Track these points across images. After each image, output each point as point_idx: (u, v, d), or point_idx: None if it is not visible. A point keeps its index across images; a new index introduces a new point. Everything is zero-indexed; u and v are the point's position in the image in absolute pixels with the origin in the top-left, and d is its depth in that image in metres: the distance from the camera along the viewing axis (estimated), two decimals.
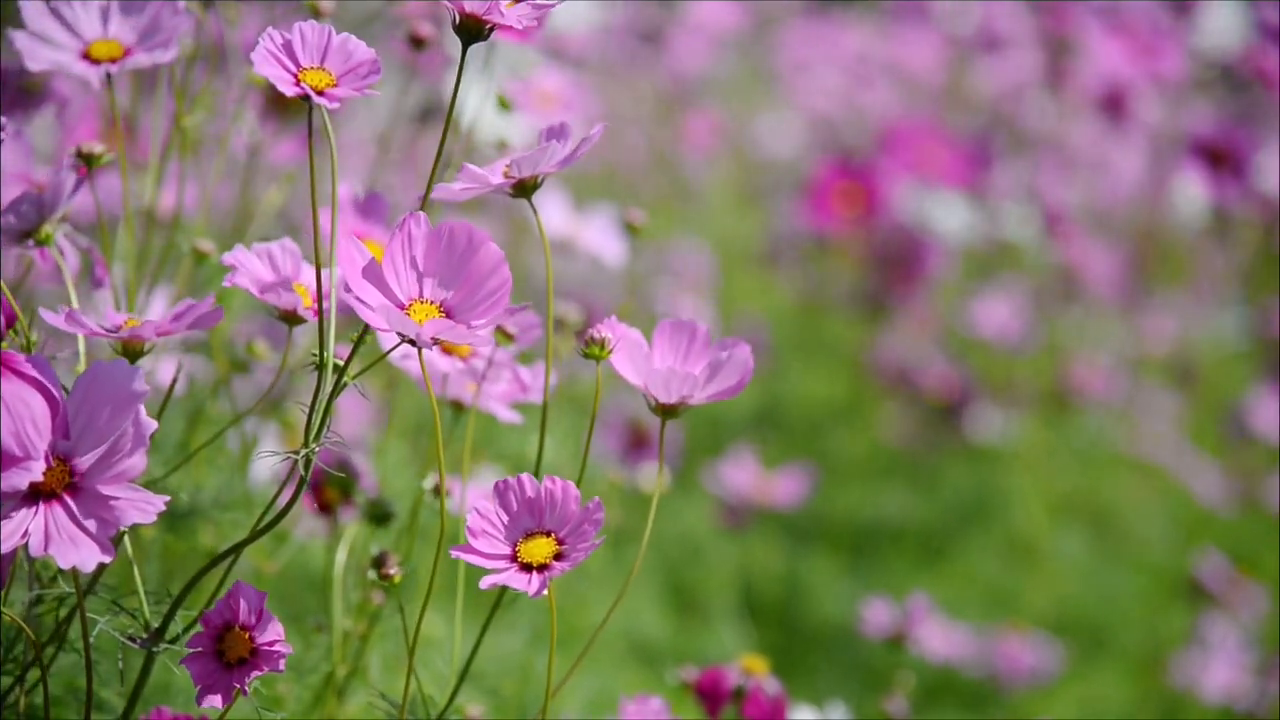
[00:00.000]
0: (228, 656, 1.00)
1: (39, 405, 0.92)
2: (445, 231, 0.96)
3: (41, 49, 1.16)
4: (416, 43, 1.45)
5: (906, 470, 3.08)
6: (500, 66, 1.64)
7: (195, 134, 1.41)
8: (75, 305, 1.06)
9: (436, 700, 1.10)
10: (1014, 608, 2.66)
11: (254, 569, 1.45)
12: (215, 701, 0.99)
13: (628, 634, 2.21)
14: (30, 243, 1.09)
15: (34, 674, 1.04)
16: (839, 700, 1.55)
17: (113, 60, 1.16)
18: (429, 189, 0.99)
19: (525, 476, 0.99)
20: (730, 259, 3.67)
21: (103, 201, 1.24)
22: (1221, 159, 2.82)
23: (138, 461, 0.92)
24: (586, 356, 1.02)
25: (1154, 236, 3.59)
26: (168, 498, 0.92)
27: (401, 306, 0.96)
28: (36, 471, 0.91)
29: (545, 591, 0.97)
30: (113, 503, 0.91)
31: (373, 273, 0.96)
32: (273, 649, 0.99)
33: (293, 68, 0.96)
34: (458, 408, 1.23)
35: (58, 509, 0.91)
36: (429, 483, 1.23)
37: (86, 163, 1.13)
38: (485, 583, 0.97)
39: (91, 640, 1.00)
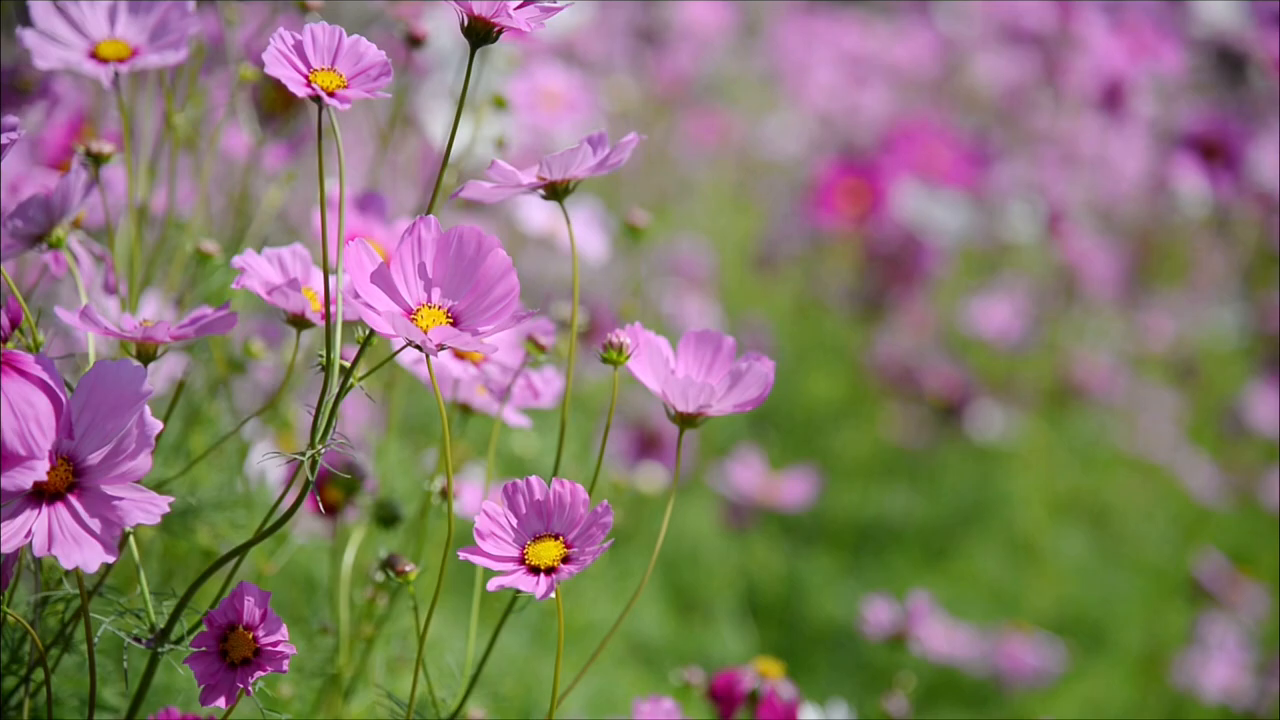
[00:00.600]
0: (231, 657, 0.99)
1: (43, 405, 0.92)
2: (455, 236, 0.96)
3: (50, 47, 1.16)
4: (413, 42, 1.44)
5: (907, 470, 3.08)
6: (490, 67, 1.63)
7: (190, 132, 1.41)
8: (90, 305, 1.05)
9: (445, 701, 1.10)
10: (1015, 607, 2.66)
11: (254, 570, 1.45)
12: (219, 702, 0.99)
13: (628, 634, 2.21)
14: (42, 246, 1.09)
15: (38, 675, 1.04)
16: (841, 700, 1.55)
17: (121, 60, 1.16)
18: (435, 193, 0.98)
19: (534, 479, 0.99)
20: (728, 259, 3.67)
21: (98, 202, 1.23)
22: (1215, 152, 2.82)
23: (143, 462, 0.91)
24: (605, 361, 1.02)
25: (1153, 234, 3.59)
26: (172, 498, 0.92)
27: (409, 312, 0.95)
28: (40, 471, 0.91)
29: (553, 594, 0.97)
30: (117, 503, 0.91)
31: (381, 277, 0.95)
32: (276, 649, 0.99)
33: (304, 69, 0.96)
34: (465, 410, 1.23)
35: (61, 509, 0.91)
36: (436, 485, 1.23)
37: (95, 162, 1.13)
38: (493, 585, 0.96)
39: (95, 641, 0.99)
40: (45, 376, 0.92)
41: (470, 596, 1.15)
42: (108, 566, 0.91)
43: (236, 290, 1.05)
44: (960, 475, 3.06)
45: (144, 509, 0.91)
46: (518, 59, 1.88)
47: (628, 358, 1.02)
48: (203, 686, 0.99)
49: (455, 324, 0.96)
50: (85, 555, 0.90)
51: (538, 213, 1.85)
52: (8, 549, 0.90)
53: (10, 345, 1.00)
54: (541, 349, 1.16)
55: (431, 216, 0.96)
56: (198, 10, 1.25)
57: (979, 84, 3.68)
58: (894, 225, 3.34)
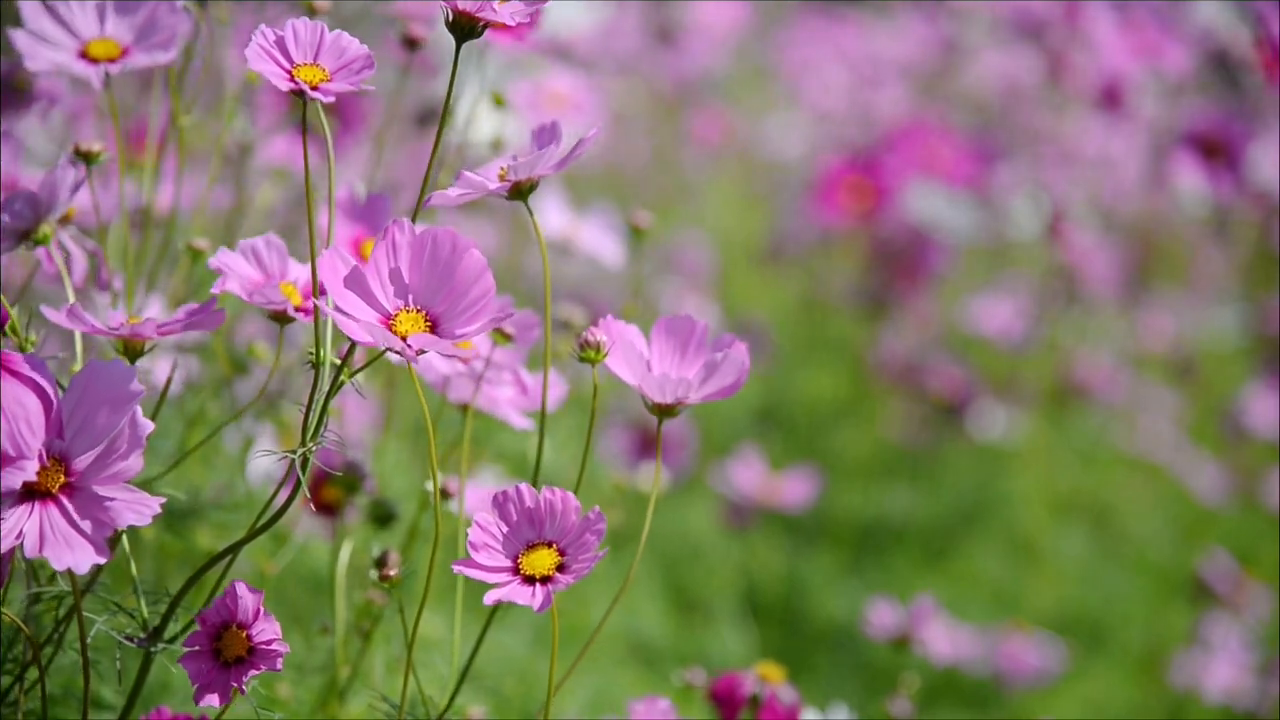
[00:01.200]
0: (225, 655, 1.00)
1: (33, 405, 0.92)
2: (429, 238, 0.96)
3: (41, 48, 1.16)
4: (410, 44, 1.44)
5: (909, 469, 3.08)
6: (505, 68, 1.63)
7: (193, 133, 1.41)
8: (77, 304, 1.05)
9: (436, 701, 1.10)
10: (1016, 607, 2.65)
11: (255, 570, 1.45)
12: (213, 700, 0.99)
13: (629, 634, 2.21)
14: (29, 243, 1.09)
15: (32, 673, 1.04)
16: (842, 702, 1.55)
17: (111, 60, 1.16)
18: (422, 194, 0.98)
19: (524, 487, 0.99)
20: (732, 257, 3.67)
21: (100, 201, 1.24)
22: (1215, 152, 2.81)
23: (134, 463, 0.91)
24: (582, 360, 1.02)
25: (1154, 233, 3.59)
26: (164, 499, 0.92)
27: (387, 316, 0.95)
28: (30, 471, 0.90)
29: (550, 605, 0.96)
30: (108, 503, 0.91)
31: (356, 281, 0.95)
32: (270, 648, 0.99)
33: (286, 64, 0.96)
34: (465, 410, 1.22)
35: (53, 509, 0.91)
36: (430, 485, 1.23)
37: (85, 161, 1.13)
38: (489, 598, 0.96)
39: (90, 640, 0.99)
40: (36, 376, 0.92)
41: (469, 596, 1.15)
42: (100, 566, 0.91)
43: (214, 290, 1.05)
44: (961, 475, 3.06)
45: (135, 510, 0.91)
46: (541, 62, 1.88)
47: (605, 356, 1.02)
48: (196, 685, 0.99)
49: (434, 327, 0.95)
50: (77, 556, 0.90)
51: (553, 217, 1.84)
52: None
53: (0, 344, 1.00)
54: (508, 339, 1.16)
55: (404, 220, 0.96)
56: (200, 10, 1.25)
57: (981, 83, 3.68)
58: (899, 223, 3.34)
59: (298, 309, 1.04)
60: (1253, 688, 2.43)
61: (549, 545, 0.99)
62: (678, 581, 2.55)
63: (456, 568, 0.98)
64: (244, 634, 0.99)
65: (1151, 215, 3.58)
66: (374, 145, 1.57)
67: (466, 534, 0.99)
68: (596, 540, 0.98)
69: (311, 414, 0.97)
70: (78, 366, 1.05)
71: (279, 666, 0.99)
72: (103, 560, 0.90)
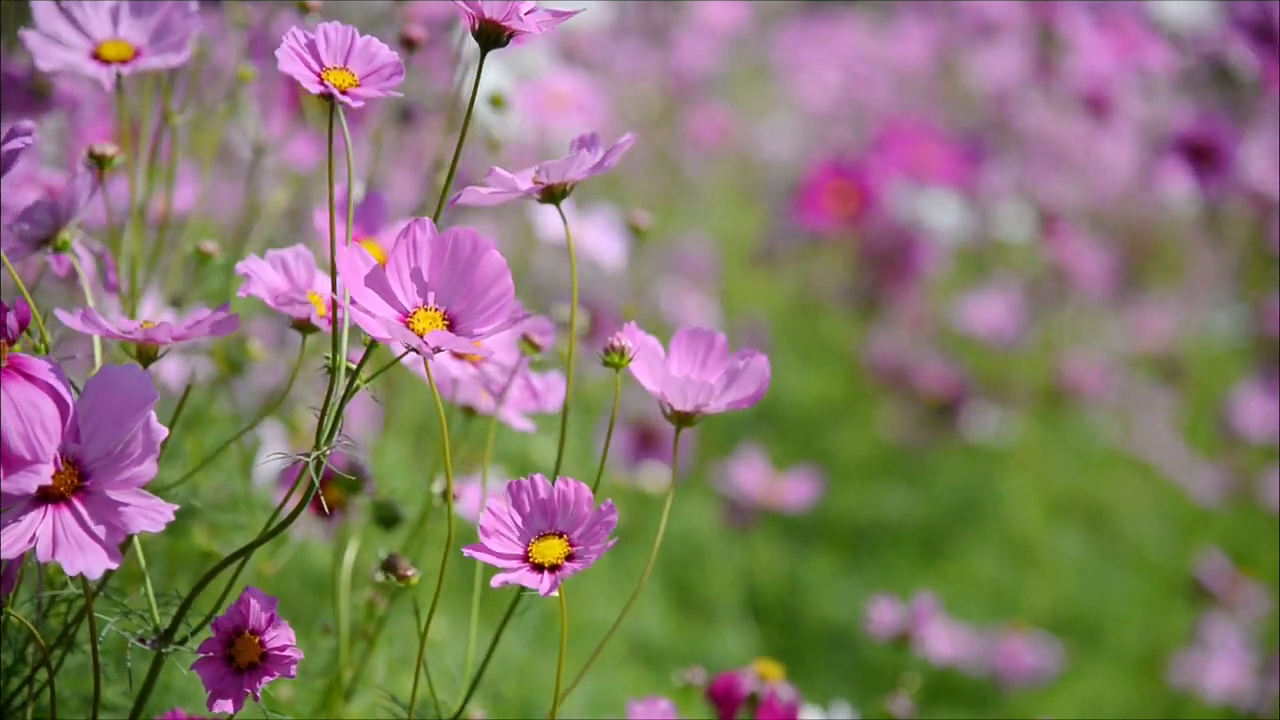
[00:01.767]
0: (238, 661, 0.99)
1: (49, 408, 0.91)
2: (450, 238, 0.96)
3: (53, 49, 1.16)
4: (408, 45, 1.44)
5: (904, 469, 3.08)
6: (505, 66, 1.63)
7: (200, 133, 1.41)
8: (92, 307, 1.05)
9: (447, 704, 1.10)
10: (1012, 607, 2.66)
11: (254, 570, 1.45)
12: (226, 707, 0.99)
13: (629, 634, 2.21)
14: (49, 249, 1.09)
15: (41, 675, 1.04)
16: (843, 701, 1.55)
17: (123, 61, 1.15)
18: (445, 193, 0.98)
19: (539, 477, 0.99)
20: (729, 257, 3.67)
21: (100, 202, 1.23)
22: (1204, 153, 2.82)
23: (148, 468, 0.91)
24: (606, 365, 1.02)
25: (1145, 233, 3.60)
26: (177, 506, 0.92)
27: (405, 314, 0.95)
28: (45, 475, 0.90)
29: (556, 591, 0.97)
30: (121, 509, 0.91)
31: (376, 280, 0.95)
32: (283, 654, 0.99)
33: (316, 67, 0.96)
34: (469, 413, 1.23)
35: (66, 513, 0.91)
36: (437, 487, 1.23)
37: (99, 164, 1.12)
38: (496, 581, 0.96)
39: (100, 642, 0.99)
40: (51, 379, 0.92)
41: (472, 597, 1.15)
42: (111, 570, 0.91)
43: (240, 294, 1.05)
44: (956, 475, 3.06)
45: (148, 516, 0.91)
46: (543, 61, 1.87)
47: (630, 361, 1.02)
48: (210, 691, 0.99)
49: (452, 326, 0.96)
50: (89, 561, 0.90)
51: (556, 219, 1.84)
52: (11, 554, 0.89)
53: (18, 348, 1.00)
54: (536, 348, 1.16)
55: (426, 219, 0.96)
56: (201, 11, 1.25)
57: (971, 83, 3.68)
58: (888, 223, 3.34)
59: (321, 317, 1.04)
60: (1253, 687, 2.44)
61: (560, 535, 0.99)
62: (678, 581, 2.55)
63: (468, 551, 0.98)
64: (257, 640, 0.99)
65: (1142, 215, 3.58)
66: (372, 144, 1.57)
67: (479, 525, 0.99)
68: (606, 532, 0.98)
69: (326, 418, 0.97)
70: (96, 370, 1.05)
71: (292, 673, 0.99)
72: (114, 565, 0.90)
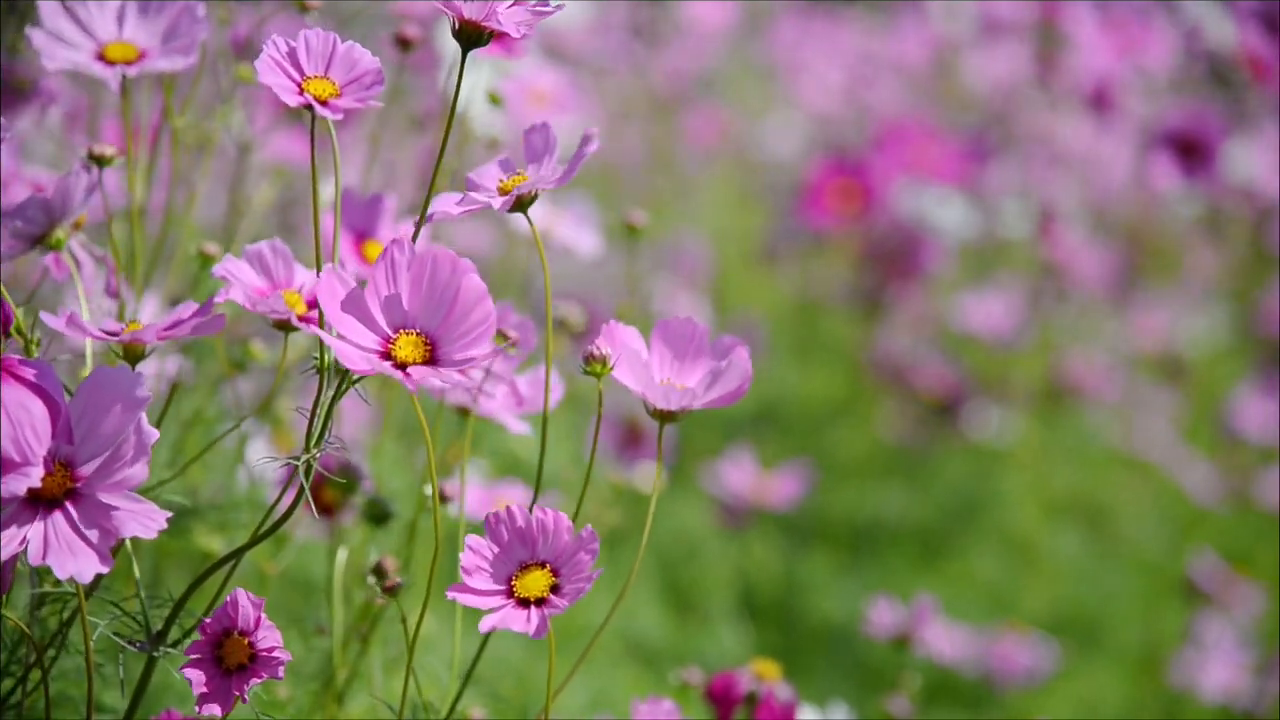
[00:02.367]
0: (227, 663, 0.99)
1: (39, 410, 0.91)
2: (429, 260, 0.95)
3: (58, 48, 1.15)
4: (403, 45, 1.44)
5: (904, 468, 3.08)
6: (489, 63, 1.62)
7: (195, 134, 1.40)
8: (88, 313, 1.05)
9: (435, 705, 1.09)
10: (1011, 607, 2.66)
11: (256, 571, 1.45)
12: (214, 710, 0.99)
13: (626, 634, 2.21)
14: (42, 248, 1.09)
15: (35, 676, 1.04)
16: (841, 700, 1.55)
17: (129, 63, 1.15)
18: (425, 208, 0.98)
19: (515, 507, 0.98)
20: (728, 257, 3.67)
21: (98, 203, 1.23)
22: (1192, 149, 2.82)
23: (139, 471, 0.91)
24: (588, 373, 1.01)
25: (1144, 232, 3.59)
26: (170, 514, 0.91)
27: (386, 339, 0.94)
28: (35, 477, 0.90)
29: (546, 632, 0.95)
30: (113, 512, 0.91)
31: (354, 304, 0.94)
32: (272, 655, 0.99)
33: (296, 76, 0.96)
34: (463, 413, 1.22)
35: (57, 516, 0.91)
36: (429, 489, 1.22)
37: (98, 164, 1.12)
38: (484, 626, 0.95)
39: (93, 643, 0.99)
40: (41, 381, 0.92)
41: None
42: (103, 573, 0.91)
43: (219, 299, 1.04)
44: (956, 474, 3.06)
45: (141, 521, 0.90)
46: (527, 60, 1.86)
47: (611, 369, 1.01)
48: (198, 694, 0.99)
49: (434, 349, 0.94)
50: (80, 565, 0.90)
51: (531, 213, 1.82)
52: (4, 556, 0.89)
53: (4, 348, 1.00)
54: (512, 343, 1.16)
55: (404, 239, 0.95)
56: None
57: (972, 82, 3.68)
58: (890, 222, 3.34)
59: (301, 318, 1.04)
60: (1250, 687, 2.43)
61: (542, 565, 0.98)
62: (674, 581, 2.55)
63: (451, 594, 0.97)
64: (246, 641, 0.99)
65: (1142, 214, 3.58)
66: (370, 144, 1.57)
67: (460, 564, 0.98)
68: (590, 559, 0.97)
69: (315, 419, 0.96)
70: (87, 370, 1.05)
71: (281, 674, 0.99)
72: (105, 569, 0.90)
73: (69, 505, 0.91)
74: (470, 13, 0.96)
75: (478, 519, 1.05)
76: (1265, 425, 3.03)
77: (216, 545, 1.41)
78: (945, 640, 2.16)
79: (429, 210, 0.98)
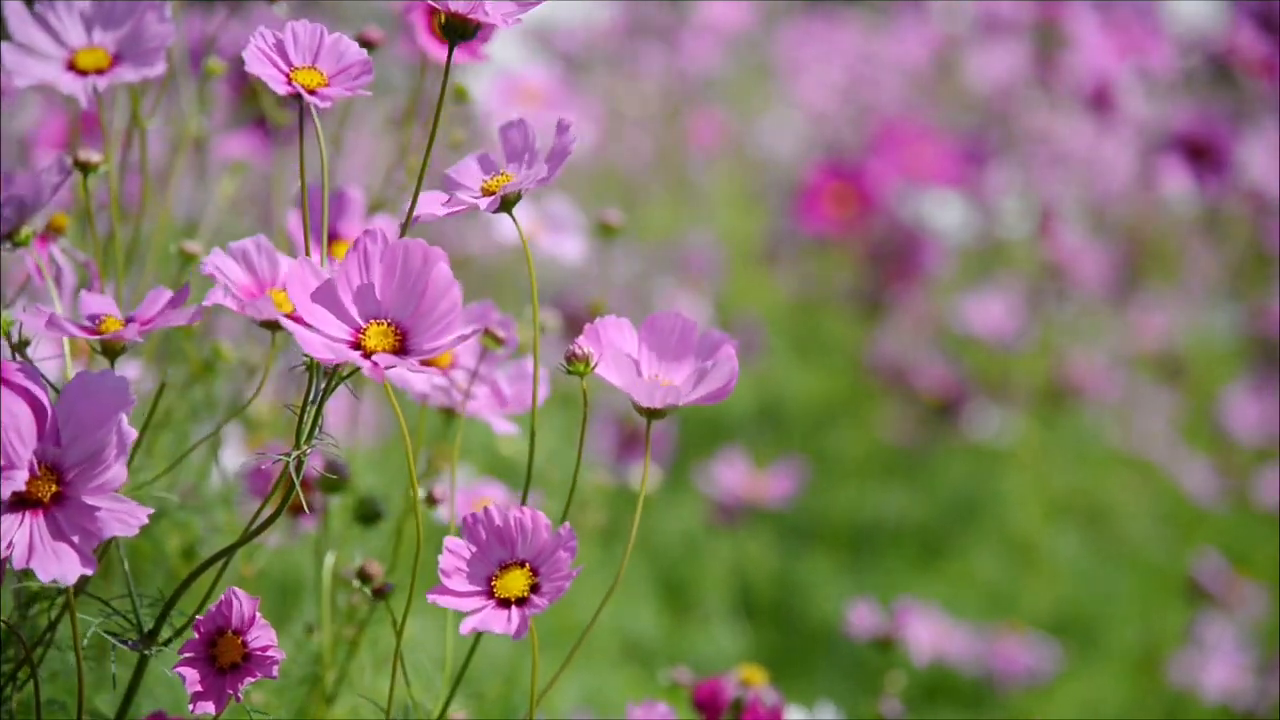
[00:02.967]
0: (220, 662, 0.99)
1: (24, 414, 0.91)
2: (400, 250, 0.94)
3: (28, 63, 1.13)
4: (365, 46, 1.43)
5: (904, 469, 3.08)
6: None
7: (196, 133, 1.39)
8: (60, 308, 1.05)
9: (424, 706, 1.09)
10: (1011, 607, 2.65)
11: (234, 573, 1.44)
12: (208, 708, 0.98)
13: (623, 634, 2.21)
14: (10, 244, 1.08)
15: (23, 674, 1.04)
16: (829, 701, 1.54)
17: (100, 71, 1.13)
18: (413, 205, 0.97)
19: (491, 508, 0.98)
20: (730, 257, 3.67)
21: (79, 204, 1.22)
22: (1202, 152, 2.82)
23: (119, 472, 0.91)
24: (571, 373, 1.00)
25: (1144, 233, 3.59)
26: (151, 510, 0.91)
27: (357, 329, 0.94)
28: (19, 481, 0.90)
29: (526, 632, 0.95)
30: (96, 514, 0.90)
31: (325, 295, 0.93)
32: (266, 654, 0.99)
33: (285, 67, 0.96)
34: (449, 414, 1.22)
35: (41, 520, 0.90)
36: (421, 492, 1.22)
37: (82, 171, 1.11)
38: (465, 628, 0.95)
39: (84, 643, 0.99)
40: (28, 384, 0.92)
41: None
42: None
43: (207, 303, 1.03)
44: (956, 474, 3.06)
45: (122, 520, 0.90)
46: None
47: (593, 368, 1.00)
48: (191, 693, 0.99)
49: (404, 339, 0.94)
50: (64, 567, 0.89)
51: (509, 222, 1.80)
52: None
53: None
54: (500, 342, 1.15)
55: (377, 230, 0.95)
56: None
57: (972, 82, 3.68)
58: (892, 224, 3.34)
59: (290, 317, 1.03)
60: (1251, 687, 2.43)
61: (521, 565, 0.97)
62: (672, 581, 2.55)
63: (431, 597, 0.96)
64: (239, 640, 0.99)
65: (1142, 214, 3.58)
66: (333, 143, 1.56)
67: (439, 567, 0.98)
68: (570, 557, 0.96)
69: (305, 417, 0.96)
70: (68, 369, 1.05)
71: (275, 673, 0.99)
72: (89, 572, 0.90)
73: (53, 508, 0.91)
74: (457, 6, 0.96)
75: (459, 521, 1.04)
76: (1264, 424, 3.03)
77: (179, 545, 1.40)
78: (936, 638, 2.15)
79: (419, 218, 0.98)
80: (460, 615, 0.96)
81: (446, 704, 1.08)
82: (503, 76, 1.73)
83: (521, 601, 0.96)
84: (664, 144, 3.92)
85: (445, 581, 0.97)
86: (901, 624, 1.74)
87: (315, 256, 0.96)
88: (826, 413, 3.21)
